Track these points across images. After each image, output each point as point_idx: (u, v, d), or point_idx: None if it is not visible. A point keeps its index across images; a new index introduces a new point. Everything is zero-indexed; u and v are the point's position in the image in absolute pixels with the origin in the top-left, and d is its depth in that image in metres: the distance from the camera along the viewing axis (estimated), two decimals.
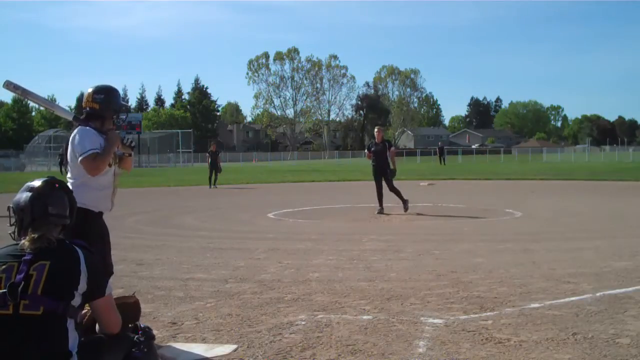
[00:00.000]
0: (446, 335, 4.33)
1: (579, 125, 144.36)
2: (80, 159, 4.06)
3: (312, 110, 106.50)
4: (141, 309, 4.10)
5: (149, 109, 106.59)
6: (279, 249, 8.43)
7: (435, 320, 4.71)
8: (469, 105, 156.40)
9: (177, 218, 13.15)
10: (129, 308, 3.68)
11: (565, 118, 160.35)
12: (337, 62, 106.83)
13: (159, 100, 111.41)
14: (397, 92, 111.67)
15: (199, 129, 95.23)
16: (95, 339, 3.03)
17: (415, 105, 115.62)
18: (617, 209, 13.71)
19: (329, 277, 6.45)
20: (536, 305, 5.13)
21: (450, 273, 6.53)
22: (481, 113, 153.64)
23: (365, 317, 4.86)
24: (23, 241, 2.94)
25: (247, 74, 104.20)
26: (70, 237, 3.17)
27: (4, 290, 2.76)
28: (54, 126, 74.70)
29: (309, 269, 6.88)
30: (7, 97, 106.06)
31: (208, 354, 4.06)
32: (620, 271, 6.45)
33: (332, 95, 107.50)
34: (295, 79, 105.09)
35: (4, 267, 2.85)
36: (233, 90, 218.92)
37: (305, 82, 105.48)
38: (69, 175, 4.20)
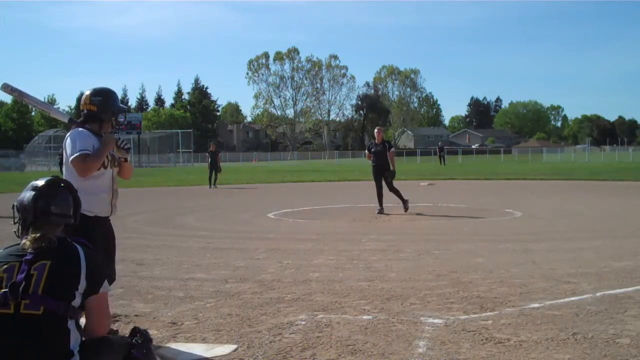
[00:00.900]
0: (446, 335, 4.33)
1: (579, 125, 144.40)
2: (70, 159, 4.04)
3: (312, 110, 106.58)
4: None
5: (149, 109, 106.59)
6: (279, 249, 8.43)
7: (435, 320, 4.71)
8: (469, 105, 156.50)
9: (177, 218, 13.15)
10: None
11: (565, 118, 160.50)
12: (337, 62, 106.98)
13: (159, 100, 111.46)
14: (397, 92, 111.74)
15: (199, 129, 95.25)
16: (95, 340, 3.03)
17: (415, 105, 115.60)
18: (617, 209, 13.71)
19: (329, 277, 6.45)
20: (536, 305, 5.13)
21: (450, 273, 6.53)
22: (481, 113, 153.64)
23: (365, 317, 4.86)
24: (24, 240, 2.95)
25: (247, 74, 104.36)
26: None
27: (5, 290, 2.77)
28: (54, 126, 74.62)
29: (309, 269, 6.89)
30: (7, 97, 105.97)
31: (208, 354, 4.06)
32: (620, 271, 6.45)
33: (332, 95, 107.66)
34: (295, 79, 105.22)
35: (5, 266, 2.86)
36: (233, 90, 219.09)
37: (305, 82, 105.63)
38: (63, 177, 4.17)
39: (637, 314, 4.80)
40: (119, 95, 4.68)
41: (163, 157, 67.64)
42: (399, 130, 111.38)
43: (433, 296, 5.51)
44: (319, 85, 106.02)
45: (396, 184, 13.22)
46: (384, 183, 12.96)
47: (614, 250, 7.88)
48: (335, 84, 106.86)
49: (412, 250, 8.11)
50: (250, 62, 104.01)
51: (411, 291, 5.71)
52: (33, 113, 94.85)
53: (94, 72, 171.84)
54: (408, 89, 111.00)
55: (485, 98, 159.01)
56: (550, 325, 4.52)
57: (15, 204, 3.11)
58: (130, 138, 54.63)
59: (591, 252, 7.78)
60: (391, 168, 12.97)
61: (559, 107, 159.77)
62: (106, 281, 3.11)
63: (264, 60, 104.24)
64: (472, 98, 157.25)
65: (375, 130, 13.52)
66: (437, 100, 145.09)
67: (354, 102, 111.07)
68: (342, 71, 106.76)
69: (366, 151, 13.75)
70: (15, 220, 3.10)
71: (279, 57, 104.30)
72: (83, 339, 2.96)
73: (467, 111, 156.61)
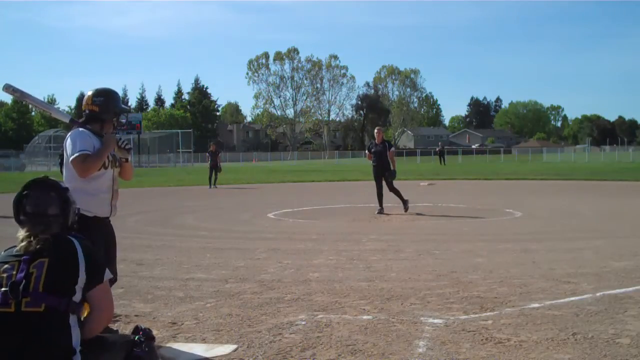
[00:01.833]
0: (446, 335, 4.33)
1: (579, 125, 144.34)
2: (70, 159, 4.04)
3: (312, 110, 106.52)
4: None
5: (149, 109, 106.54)
6: (279, 249, 8.43)
7: (435, 320, 4.72)
8: (469, 105, 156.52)
9: (177, 218, 13.15)
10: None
11: (565, 118, 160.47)
12: (337, 62, 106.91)
13: (159, 100, 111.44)
14: (397, 92, 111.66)
15: (199, 129, 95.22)
16: (97, 338, 3.04)
17: (415, 105, 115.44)
18: (617, 209, 13.71)
19: (329, 277, 6.45)
20: (536, 305, 5.13)
21: (450, 273, 6.53)
22: (481, 113, 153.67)
23: (365, 317, 4.86)
24: (19, 241, 2.96)
25: (247, 74, 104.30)
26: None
27: (6, 289, 2.78)
28: (54, 126, 74.63)
29: (309, 269, 6.89)
30: (7, 97, 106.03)
31: (208, 354, 4.06)
32: (620, 271, 6.45)
33: (332, 95, 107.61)
34: (295, 79, 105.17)
35: (5, 266, 2.88)
36: (233, 90, 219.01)
37: (305, 82, 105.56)
38: (63, 178, 4.17)
39: (637, 314, 4.80)
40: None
41: (163, 157, 67.60)
42: (399, 130, 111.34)
43: (433, 296, 5.51)
44: (319, 85, 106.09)
45: (396, 184, 13.22)
46: (384, 183, 12.96)
47: (614, 250, 7.88)
48: (335, 84, 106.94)
49: (412, 250, 8.11)
50: (250, 62, 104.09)
51: (411, 291, 5.71)
52: (33, 113, 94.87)
53: (94, 72, 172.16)
54: (408, 89, 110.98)
55: (485, 98, 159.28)
56: (550, 325, 4.52)
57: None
58: (130, 138, 54.88)
59: (591, 252, 7.78)
60: (392, 168, 12.98)
61: (559, 107, 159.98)
62: (107, 269, 3.11)
63: (264, 60, 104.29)
64: (472, 98, 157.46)
65: (375, 131, 13.52)
66: (437, 100, 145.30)
67: (354, 102, 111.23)
68: (342, 71, 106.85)
69: (366, 151, 13.75)
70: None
71: (279, 57, 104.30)
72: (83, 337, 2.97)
73: (467, 111, 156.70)
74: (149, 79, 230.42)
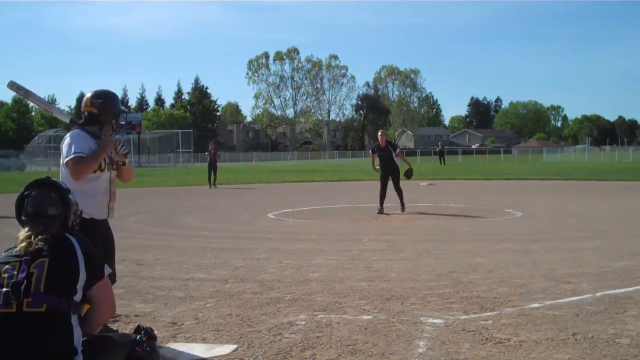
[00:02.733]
0: (446, 335, 4.33)
1: (579, 125, 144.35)
2: (64, 161, 4.04)
3: (312, 110, 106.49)
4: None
5: (149, 109, 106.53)
6: (279, 249, 8.43)
7: (435, 320, 4.72)
8: (469, 105, 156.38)
9: (177, 218, 13.15)
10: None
11: (565, 118, 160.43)
12: (337, 62, 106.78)
13: (159, 100, 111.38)
14: (397, 92, 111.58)
15: (199, 129, 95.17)
16: (99, 337, 3.04)
17: (415, 105, 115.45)
18: (617, 209, 13.71)
19: (329, 277, 6.45)
20: (536, 305, 5.13)
21: (450, 273, 6.53)
22: (481, 113, 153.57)
23: (365, 317, 4.86)
24: (19, 242, 2.97)
25: (247, 74, 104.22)
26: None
27: (7, 289, 2.78)
28: (54, 126, 74.61)
29: (309, 269, 6.89)
30: (8, 97, 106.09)
31: (208, 354, 4.06)
32: (620, 271, 6.46)
33: (332, 95, 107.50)
34: (295, 79, 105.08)
35: (6, 266, 2.88)
36: (233, 90, 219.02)
37: (305, 82, 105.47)
38: (60, 178, 4.16)
39: (637, 314, 4.80)
40: (119, 95, 4.67)
41: (163, 157, 67.56)
42: (399, 130, 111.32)
43: (433, 296, 5.51)
44: (319, 85, 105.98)
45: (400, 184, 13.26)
46: (389, 184, 13.03)
47: (614, 250, 7.88)
48: (335, 84, 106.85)
49: (412, 250, 8.11)
50: (250, 62, 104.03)
51: (411, 291, 5.71)
52: (33, 113, 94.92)
53: (94, 72, 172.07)
54: (408, 89, 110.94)
55: (485, 98, 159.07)
56: (550, 325, 4.52)
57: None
58: (130, 139, 54.85)
59: (591, 252, 7.78)
60: (408, 166, 13.48)
61: (559, 107, 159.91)
62: (106, 265, 3.12)
63: (264, 60, 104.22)
64: (472, 98, 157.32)
65: (379, 134, 13.57)
66: (437, 100, 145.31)
67: (354, 102, 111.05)
68: (342, 71, 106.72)
69: (371, 152, 13.82)
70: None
71: (279, 57, 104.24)
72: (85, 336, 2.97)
73: (467, 111, 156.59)
74: (149, 79, 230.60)
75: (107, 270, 3.11)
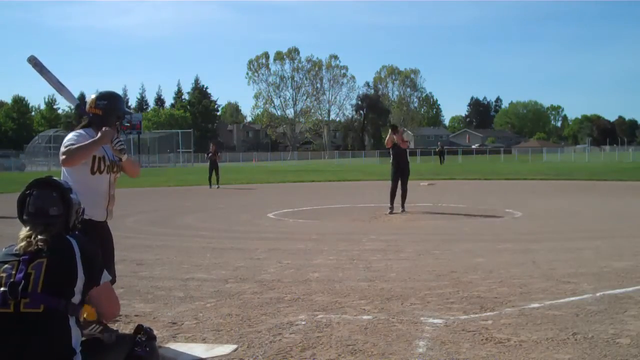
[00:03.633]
0: (446, 335, 4.33)
1: (579, 125, 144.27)
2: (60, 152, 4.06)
3: (312, 110, 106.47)
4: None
5: (149, 109, 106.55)
6: (279, 249, 8.43)
7: (435, 320, 4.72)
8: (469, 105, 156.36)
9: (177, 218, 13.15)
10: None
11: (565, 118, 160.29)
12: (337, 62, 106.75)
13: (159, 100, 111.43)
14: (397, 92, 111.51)
15: (199, 129, 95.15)
16: (98, 338, 3.04)
17: (415, 105, 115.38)
18: (617, 209, 13.71)
19: (329, 277, 6.45)
20: (536, 305, 5.13)
21: (450, 273, 6.53)
22: (481, 113, 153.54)
23: (365, 317, 4.86)
24: (19, 240, 2.96)
25: (247, 74, 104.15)
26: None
27: (5, 289, 2.78)
28: (54, 126, 74.76)
29: (309, 269, 6.89)
30: (8, 97, 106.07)
31: (208, 354, 4.06)
32: (620, 271, 6.45)
33: (332, 95, 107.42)
34: (295, 79, 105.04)
35: (4, 266, 2.87)
36: (233, 90, 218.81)
37: (305, 82, 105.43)
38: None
39: (637, 314, 4.80)
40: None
41: (163, 157, 67.58)
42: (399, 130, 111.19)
43: (433, 296, 5.51)
44: (319, 85, 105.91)
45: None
46: (399, 184, 13.08)
47: (614, 250, 7.88)
48: (335, 84, 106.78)
49: (412, 250, 8.11)
50: (250, 62, 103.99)
51: (411, 291, 5.71)
52: (33, 113, 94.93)
53: (94, 72, 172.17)
54: (408, 89, 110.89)
55: (485, 98, 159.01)
56: (550, 325, 4.52)
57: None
58: (129, 138, 54.78)
59: (591, 252, 7.77)
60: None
61: (559, 107, 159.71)
62: (105, 271, 3.11)
63: (264, 60, 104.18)
64: (472, 98, 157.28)
65: (400, 131, 13.81)
66: (437, 100, 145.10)
67: (354, 102, 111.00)
68: (342, 71, 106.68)
69: (390, 131, 13.81)
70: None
71: (279, 57, 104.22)
72: (84, 337, 2.97)
73: (467, 111, 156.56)
74: (149, 79, 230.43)
75: (106, 277, 3.09)
